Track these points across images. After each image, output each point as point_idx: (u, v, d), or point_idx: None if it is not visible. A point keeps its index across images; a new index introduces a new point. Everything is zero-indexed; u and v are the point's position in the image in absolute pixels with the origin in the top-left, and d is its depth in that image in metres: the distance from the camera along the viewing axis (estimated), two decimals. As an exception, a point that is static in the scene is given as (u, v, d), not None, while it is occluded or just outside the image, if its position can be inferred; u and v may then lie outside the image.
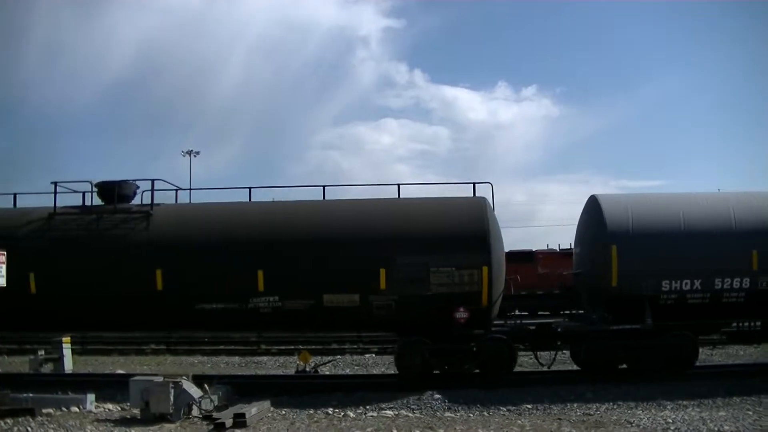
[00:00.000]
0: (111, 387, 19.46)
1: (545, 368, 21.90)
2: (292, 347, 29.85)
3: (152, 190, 21.89)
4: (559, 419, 16.49)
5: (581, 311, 23.94)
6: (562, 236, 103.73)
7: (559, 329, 22.37)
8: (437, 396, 18.61)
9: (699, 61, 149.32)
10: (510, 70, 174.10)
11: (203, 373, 21.60)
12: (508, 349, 20.78)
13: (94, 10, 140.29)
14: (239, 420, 15.67)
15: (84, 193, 22.23)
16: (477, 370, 20.75)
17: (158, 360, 27.98)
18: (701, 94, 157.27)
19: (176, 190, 22.54)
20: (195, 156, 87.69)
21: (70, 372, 22.54)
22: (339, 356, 28.10)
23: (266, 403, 17.61)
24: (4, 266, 18.80)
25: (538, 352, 22.30)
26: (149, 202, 21.88)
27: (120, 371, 24.22)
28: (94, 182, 22.34)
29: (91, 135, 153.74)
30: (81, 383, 19.95)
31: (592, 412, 17.00)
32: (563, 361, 22.61)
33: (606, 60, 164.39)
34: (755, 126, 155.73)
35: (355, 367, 25.99)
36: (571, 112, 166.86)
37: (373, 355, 28.91)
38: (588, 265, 22.48)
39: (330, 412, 17.38)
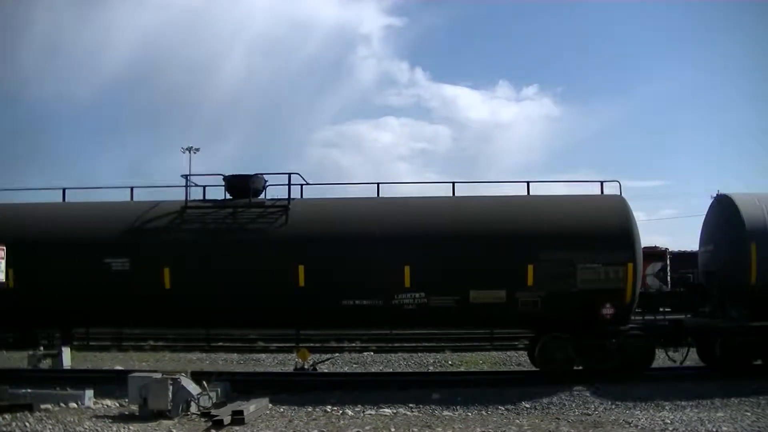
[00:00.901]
0: (109, 383, 19.44)
1: (677, 364, 21.93)
2: (291, 345, 29.81)
3: (288, 184, 21.52)
4: (558, 419, 16.52)
5: (706, 309, 23.65)
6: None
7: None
8: (435, 395, 18.61)
9: (701, 61, 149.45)
10: (511, 70, 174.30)
11: (202, 370, 21.53)
12: (648, 345, 20.95)
13: (94, 6, 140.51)
14: (237, 417, 15.67)
15: (204, 187, 22.08)
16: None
17: (157, 356, 27.98)
18: (703, 94, 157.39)
19: (302, 185, 22.04)
20: (195, 153, 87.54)
21: (68, 368, 22.58)
22: (337, 354, 28.09)
23: (264, 401, 17.60)
24: (3, 261, 18.83)
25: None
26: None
27: (118, 367, 24.20)
28: (224, 176, 22.16)
29: (90, 130, 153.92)
30: (79, 379, 19.93)
31: (590, 412, 17.04)
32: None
33: (607, 59, 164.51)
34: (757, 126, 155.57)
35: (354, 365, 25.99)
36: (572, 112, 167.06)
37: (372, 353, 28.88)
38: (723, 263, 22.33)
39: (328, 410, 17.39)
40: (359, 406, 17.75)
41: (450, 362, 26.38)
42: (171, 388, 16.38)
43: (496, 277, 20.28)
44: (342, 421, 16.33)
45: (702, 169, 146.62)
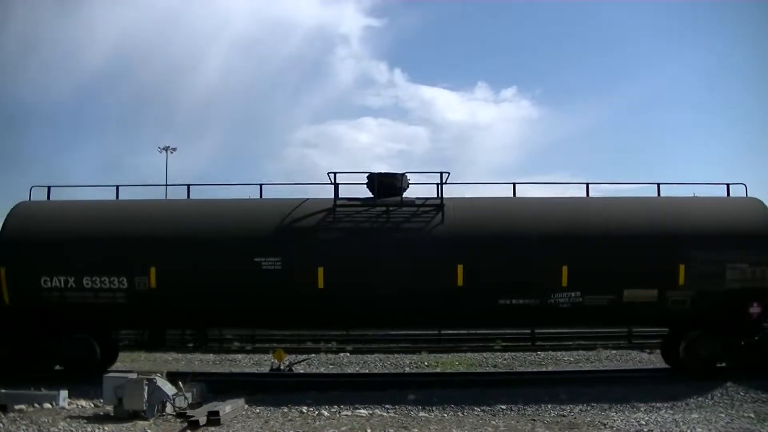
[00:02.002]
0: (84, 384, 19.32)
1: None
2: (267, 345, 29.77)
3: (441, 183, 21.38)
4: (533, 420, 16.53)
5: None
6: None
7: None
8: (411, 396, 18.63)
9: (678, 64, 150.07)
10: (490, 71, 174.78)
11: (177, 371, 21.49)
12: None
13: (72, 4, 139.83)
14: (213, 418, 15.61)
15: (337, 185, 21.41)
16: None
17: (132, 357, 27.80)
18: (680, 97, 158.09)
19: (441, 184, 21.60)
20: (171, 152, 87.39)
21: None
22: (313, 355, 28.06)
23: (240, 401, 17.55)
24: None
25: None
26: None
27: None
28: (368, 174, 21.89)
29: (67, 128, 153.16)
30: (54, 379, 19.80)
31: (566, 413, 17.06)
32: (537, 362, 22.64)
33: (585, 62, 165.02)
34: (740, 127, 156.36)
35: (330, 366, 25.94)
36: (550, 114, 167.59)
37: (348, 354, 28.87)
38: None
39: (304, 411, 17.35)
40: (335, 406, 17.69)
41: (426, 363, 26.37)
42: (146, 388, 16.26)
43: (649, 277, 20.67)
44: (318, 422, 16.30)
45: (682, 170, 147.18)
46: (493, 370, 24.96)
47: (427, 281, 20.34)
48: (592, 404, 17.80)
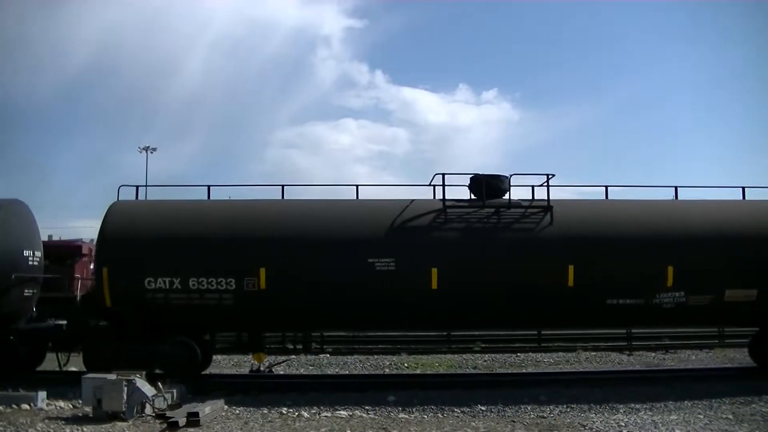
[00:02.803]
0: (63, 385, 19.25)
1: None
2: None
3: (548, 186, 21.63)
4: (513, 421, 16.56)
5: None
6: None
7: None
8: (391, 397, 18.63)
9: (662, 65, 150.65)
10: (471, 73, 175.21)
11: (157, 371, 21.40)
12: None
13: (56, 3, 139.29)
14: (193, 419, 15.56)
15: (435, 186, 21.73)
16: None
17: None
18: (663, 98, 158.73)
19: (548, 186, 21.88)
20: (152, 152, 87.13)
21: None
22: (293, 356, 27.99)
23: (220, 402, 17.52)
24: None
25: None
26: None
27: (73, 368, 23.92)
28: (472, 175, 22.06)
29: (49, 127, 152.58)
30: (32, 380, 19.71)
31: (545, 415, 17.11)
32: (517, 364, 22.68)
33: (567, 64, 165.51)
34: (732, 126, 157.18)
35: (310, 368, 25.95)
36: (531, 116, 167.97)
37: (328, 355, 28.84)
38: None
39: (284, 412, 17.33)
40: (315, 407, 17.69)
41: (406, 365, 26.38)
42: (126, 389, 16.19)
43: (749, 277, 21.11)
44: (298, 423, 16.29)
45: (655, 173, 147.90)
46: (473, 371, 25.00)
47: (537, 282, 20.59)
48: (572, 405, 17.88)
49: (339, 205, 21.98)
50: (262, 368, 23.36)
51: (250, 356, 24.88)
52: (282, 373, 24.25)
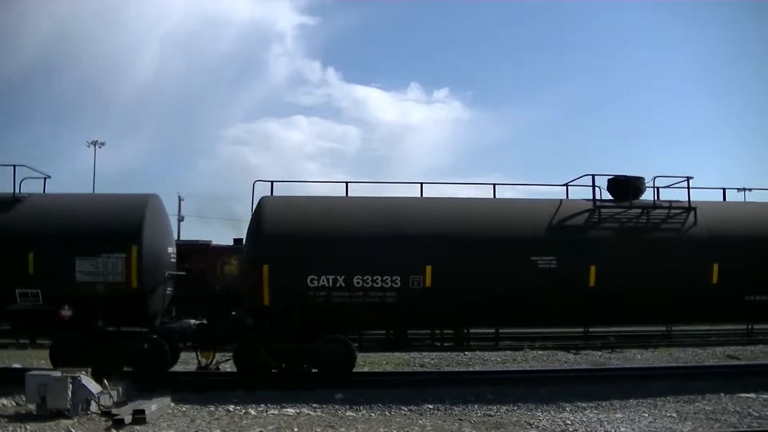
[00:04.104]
0: (6, 382, 18.99)
1: None
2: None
3: (688, 187, 22.29)
4: (460, 420, 16.63)
5: None
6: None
7: None
8: (339, 395, 18.63)
9: (610, 70, 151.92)
10: (423, 72, 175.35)
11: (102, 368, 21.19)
12: None
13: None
14: (138, 416, 15.43)
15: (595, 187, 22.24)
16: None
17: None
18: (611, 98, 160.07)
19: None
20: (100, 147, 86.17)
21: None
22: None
23: (166, 400, 17.40)
24: None
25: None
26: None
27: (16, 365, 23.65)
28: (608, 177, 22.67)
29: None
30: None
31: (492, 413, 17.19)
32: (464, 362, 22.74)
33: (518, 63, 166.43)
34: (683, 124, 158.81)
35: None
36: (481, 116, 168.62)
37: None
38: None
39: (231, 410, 17.23)
40: (262, 405, 17.60)
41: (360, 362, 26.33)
42: (71, 386, 16.00)
43: None
44: (245, 421, 16.21)
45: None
46: (420, 369, 25.03)
47: (683, 279, 21.34)
48: (519, 404, 17.97)
49: (498, 204, 22.49)
50: (209, 365, 23.18)
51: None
52: (230, 370, 24.06)
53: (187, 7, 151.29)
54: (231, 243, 37.84)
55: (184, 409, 17.18)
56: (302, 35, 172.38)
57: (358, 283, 20.28)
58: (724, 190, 23.68)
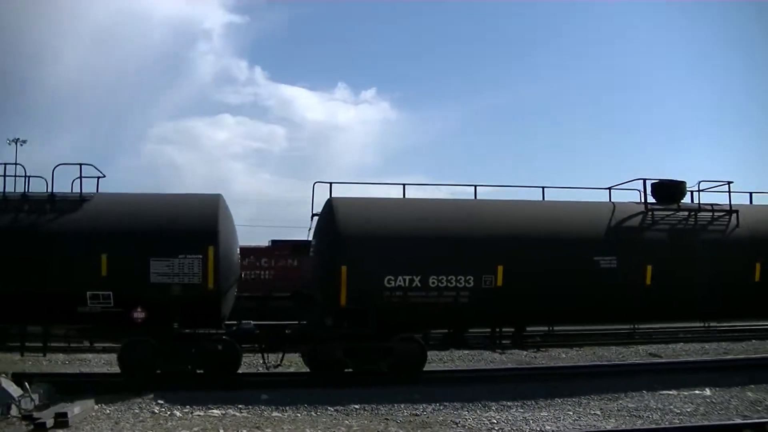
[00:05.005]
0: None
1: None
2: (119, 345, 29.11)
3: (729, 192, 23.83)
4: (387, 419, 16.69)
5: None
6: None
7: None
8: (264, 396, 18.53)
9: (540, 71, 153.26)
10: (350, 73, 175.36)
11: (24, 371, 20.84)
12: None
13: None
14: (61, 420, 15.17)
15: (646, 190, 23.63)
16: None
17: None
18: (539, 104, 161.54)
19: None
20: (21, 145, 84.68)
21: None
22: None
23: (90, 402, 17.13)
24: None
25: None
26: None
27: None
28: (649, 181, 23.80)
29: None
30: None
31: (419, 413, 17.27)
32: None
33: (445, 65, 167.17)
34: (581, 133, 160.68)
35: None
36: (409, 117, 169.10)
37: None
38: None
39: (156, 411, 17.06)
40: (188, 406, 17.46)
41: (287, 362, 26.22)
42: (-10, 390, 15.78)
43: None
44: (170, 423, 16.08)
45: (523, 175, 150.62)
46: (348, 370, 24.99)
47: (727, 278, 22.70)
48: (445, 403, 18.04)
49: (560, 207, 23.40)
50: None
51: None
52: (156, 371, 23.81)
53: (114, 3, 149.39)
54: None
55: (108, 411, 16.91)
56: (230, 33, 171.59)
57: (433, 283, 20.77)
58: (750, 194, 24.98)
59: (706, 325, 33.99)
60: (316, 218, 22.51)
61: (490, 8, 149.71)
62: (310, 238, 22.95)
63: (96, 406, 17.19)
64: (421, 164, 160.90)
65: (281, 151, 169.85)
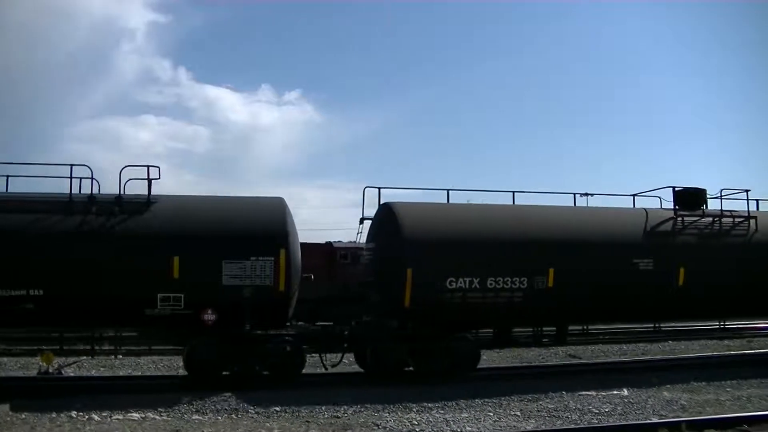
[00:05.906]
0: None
1: None
2: (35, 347, 28.67)
3: (747, 199, 25.85)
4: (308, 422, 16.65)
5: None
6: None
7: None
8: (185, 399, 18.37)
9: (472, 68, 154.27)
10: (274, 74, 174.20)
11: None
12: None
13: None
14: (-27, 425, 14.96)
15: (676, 195, 25.46)
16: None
17: None
18: (471, 100, 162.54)
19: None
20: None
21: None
22: (84, 357, 27.28)
23: (4, 407, 16.85)
24: None
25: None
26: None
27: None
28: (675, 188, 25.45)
29: None
30: None
31: (339, 415, 17.28)
32: (312, 363, 22.69)
33: (372, 67, 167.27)
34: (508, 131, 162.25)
35: (102, 369, 25.22)
36: (333, 119, 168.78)
37: (120, 356, 28.24)
38: None
39: (73, 416, 16.71)
40: (106, 410, 17.16)
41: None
42: None
43: None
44: (88, 427, 15.83)
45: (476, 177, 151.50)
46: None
47: (750, 279, 24.40)
48: (366, 405, 18.08)
49: (601, 212, 24.94)
50: (50, 370, 22.60)
51: (38, 358, 24.11)
52: (72, 375, 23.52)
53: (34, 0, 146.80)
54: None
55: (23, 416, 16.57)
56: (153, 33, 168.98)
57: (491, 284, 21.82)
58: (757, 201, 26.47)
59: (721, 325, 38.24)
60: (366, 223, 23.72)
61: (424, 9, 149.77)
62: (364, 242, 24.40)
63: (10, 412, 16.86)
64: (346, 166, 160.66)
65: (205, 152, 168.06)
